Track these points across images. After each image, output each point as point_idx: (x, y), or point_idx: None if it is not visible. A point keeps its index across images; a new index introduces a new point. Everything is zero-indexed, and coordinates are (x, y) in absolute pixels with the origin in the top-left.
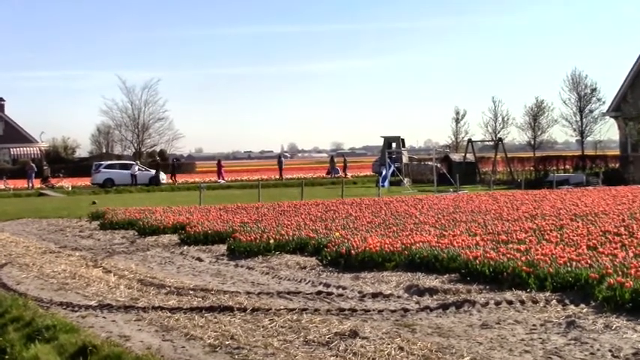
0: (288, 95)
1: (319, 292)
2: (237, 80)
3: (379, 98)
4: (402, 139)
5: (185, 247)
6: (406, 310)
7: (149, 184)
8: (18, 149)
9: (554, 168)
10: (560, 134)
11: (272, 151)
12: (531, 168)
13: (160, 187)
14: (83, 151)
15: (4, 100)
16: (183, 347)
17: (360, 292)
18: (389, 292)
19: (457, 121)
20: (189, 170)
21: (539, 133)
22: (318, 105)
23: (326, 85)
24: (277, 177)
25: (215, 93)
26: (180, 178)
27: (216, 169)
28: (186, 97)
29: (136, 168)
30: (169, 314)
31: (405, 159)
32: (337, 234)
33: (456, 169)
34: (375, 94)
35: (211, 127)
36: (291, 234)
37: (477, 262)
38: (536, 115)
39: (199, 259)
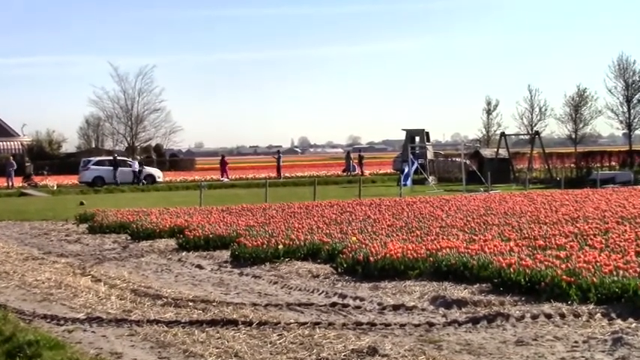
0: (299, 83)
1: (334, 304)
2: (242, 67)
3: (401, 87)
4: (427, 133)
5: (184, 253)
6: (431, 325)
7: (132, 181)
8: None
9: (598, 165)
10: (605, 127)
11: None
12: (572, 165)
13: (156, 187)
14: (70, 146)
15: None
16: None
17: (379, 304)
18: (412, 303)
19: (489, 112)
20: (189, 167)
21: (581, 125)
22: (332, 94)
23: (341, 72)
24: (276, 175)
25: (218, 81)
26: (179, 176)
27: (219, 166)
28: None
29: (136, 164)
30: (166, 328)
31: (429, 155)
32: (354, 239)
33: (487, 166)
34: (396, 82)
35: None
36: (302, 239)
37: (511, 270)
38: (578, 105)
39: (200, 267)
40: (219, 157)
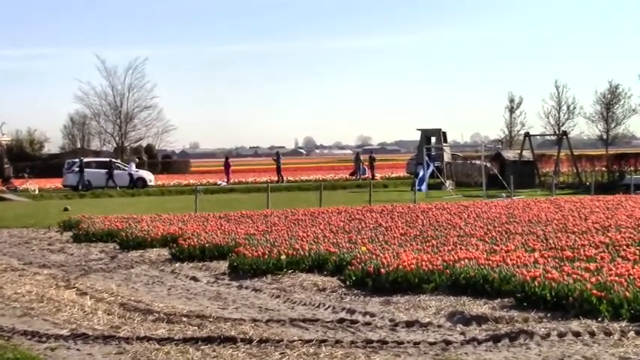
0: (304, 79)
1: (341, 320)
2: (241, 60)
3: (416, 83)
4: (444, 133)
5: (177, 264)
6: (448, 343)
7: (128, 185)
8: None
9: (632, 168)
10: None
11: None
12: (603, 168)
13: (147, 191)
14: (53, 147)
15: None
16: None
17: (391, 320)
18: (427, 320)
19: (511, 110)
20: (183, 170)
21: (613, 125)
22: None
23: (350, 67)
24: (276, 179)
25: (215, 76)
26: (172, 180)
27: (222, 168)
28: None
29: (134, 166)
30: (158, 346)
31: (447, 157)
32: (364, 248)
33: (509, 169)
34: (411, 77)
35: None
36: (307, 248)
37: (536, 284)
38: (610, 103)
39: (195, 279)
40: (223, 159)
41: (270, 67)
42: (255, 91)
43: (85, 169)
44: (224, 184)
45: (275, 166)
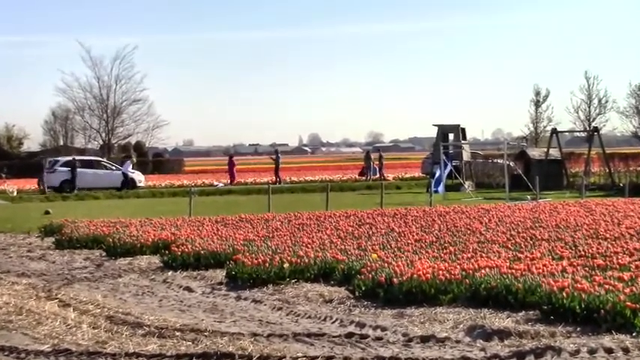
0: (308, 69)
1: (350, 335)
2: (239, 48)
3: (432, 74)
4: (463, 129)
5: (169, 273)
6: None
7: (120, 187)
8: None
9: None
10: None
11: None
12: (638, 168)
13: (137, 192)
14: (33, 144)
15: None
16: None
17: (405, 335)
18: (444, 334)
19: (537, 104)
20: (176, 169)
21: None
22: (349, 83)
23: (360, 56)
24: (273, 179)
25: (211, 67)
26: (164, 180)
27: (218, 168)
28: (173, 72)
29: (130, 166)
30: None
31: (466, 155)
32: (374, 256)
33: (535, 169)
34: (426, 68)
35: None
36: (312, 256)
37: (564, 295)
38: None
39: (189, 289)
40: (219, 158)
41: (272, 56)
42: (255, 83)
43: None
44: (221, 185)
45: (273, 166)
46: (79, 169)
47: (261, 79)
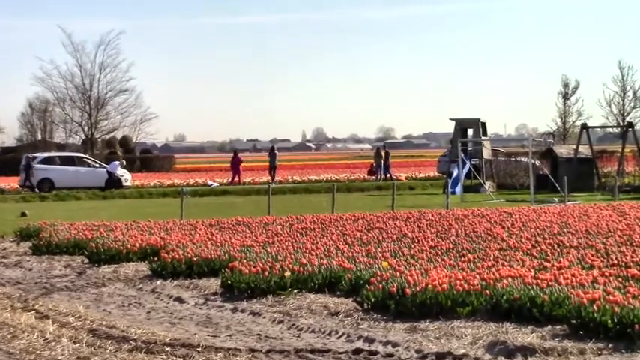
0: (312, 58)
1: (358, 351)
2: (236, 34)
3: (449, 63)
4: (483, 124)
5: (159, 282)
6: None
7: (105, 186)
8: None
9: None
10: None
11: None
12: None
13: (123, 192)
14: (9, 138)
15: None
16: None
17: (418, 352)
18: (462, 351)
19: (565, 97)
20: (166, 167)
21: None
22: (356, 73)
23: (368, 43)
24: (269, 179)
25: (205, 54)
26: (153, 179)
27: (211, 166)
28: (162, 60)
29: (117, 166)
30: None
31: (486, 153)
32: (385, 264)
33: (563, 168)
34: (441, 55)
35: (198, 104)
36: (316, 263)
37: (595, 307)
38: None
39: (180, 300)
40: (231, 155)
41: (273, 42)
42: (253, 72)
43: (51, 167)
44: (216, 184)
45: (268, 165)
46: (58, 167)
47: (261, 67)
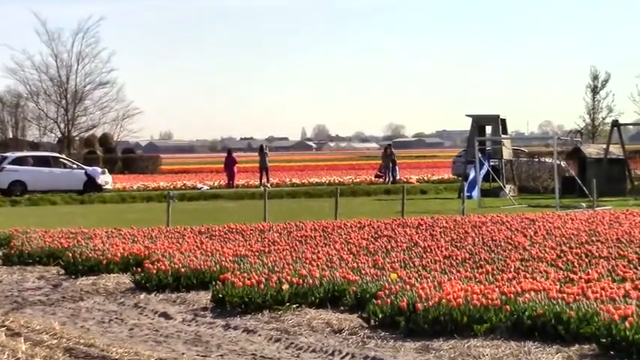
0: (313, 46)
1: None
2: (229, 20)
3: (464, 53)
4: (503, 121)
5: (142, 296)
6: None
7: (83, 189)
8: None
9: None
10: None
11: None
12: None
13: (103, 196)
14: None
15: None
16: None
17: None
18: None
19: (594, 91)
20: (151, 168)
21: None
22: (363, 62)
23: (375, 31)
24: (259, 182)
25: (194, 41)
26: (136, 181)
27: (223, 167)
28: (146, 49)
29: (99, 172)
30: None
31: (506, 153)
32: (394, 276)
33: (592, 170)
34: (458, 44)
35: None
36: (317, 275)
37: (627, 325)
38: None
39: (166, 316)
40: (225, 154)
41: (270, 29)
42: (248, 63)
43: (23, 168)
44: (206, 187)
45: (258, 166)
46: (31, 168)
47: (256, 57)
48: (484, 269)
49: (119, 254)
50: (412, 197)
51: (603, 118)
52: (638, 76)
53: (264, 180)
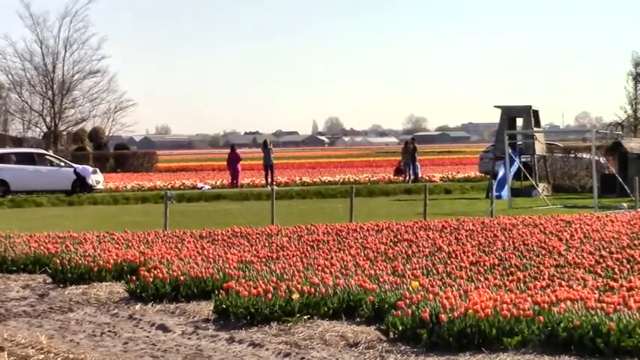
0: (325, 33)
1: None
2: (233, 3)
3: (492, 40)
4: (536, 112)
5: (138, 307)
6: None
7: (72, 190)
8: None
9: None
10: None
11: (297, 133)
12: None
13: (94, 197)
14: None
15: None
16: None
17: None
18: None
19: (636, 79)
20: (146, 166)
21: None
22: (381, 49)
23: (393, 14)
24: (264, 182)
25: (194, 25)
26: (130, 180)
27: (226, 164)
28: (141, 34)
29: (90, 171)
30: None
31: (539, 148)
32: (415, 284)
33: (634, 166)
34: (483, 30)
35: (186, 88)
36: (331, 284)
37: None
38: None
39: (164, 328)
40: (228, 150)
41: (275, 11)
42: (254, 48)
43: (5, 166)
44: (207, 187)
45: (262, 163)
46: (14, 166)
47: (262, 44)
48: (515, 276)
49: (112, 261)
50: (435, 197)
51: None
52: None
53: (269, 179)
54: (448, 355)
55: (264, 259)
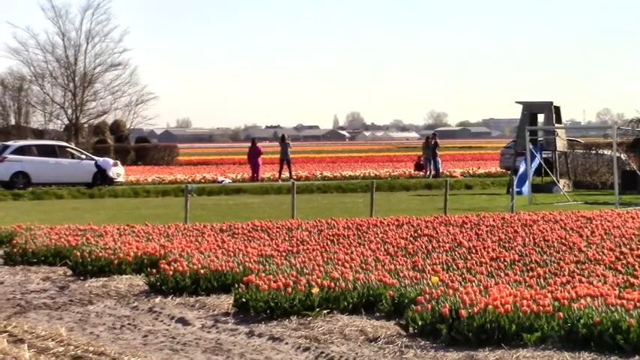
0: (346, 24)
1: None
2: None
3: (513, 34)
4: (557, 108)
5: (158, 300)
6: None
7: (92, 182)
8: None
9: None
10: None
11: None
12: None
13: (114, 190)
14: None
15: None
16: None
17: None
18: None
19: None
20: (167, 159)
21: None
22: (400, 45)
23: (415, 7)
24: (279, 176)
25: (215, 18)
26: (151, 174)
27: (246, 158)
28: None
29: (110, 164)
30: None
31: (560, 144)
32: (435, 279)
33: None
34: (505, 26)
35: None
36: (350, 278)
37: None
38: None
39: (184, 322)
40: (249, 144)
41: (300, 4)
42: (274, 43)
43: (26, 158)
44: (228, 181)
45: (279, 158)
46: (35, 158)
47: (285, 37)
48: (535, 272)
49: (132, 254)
50: (456, 192)
51: None
52: None
53: (284, 173)
54: (467, 350)
55: (284, 253)
